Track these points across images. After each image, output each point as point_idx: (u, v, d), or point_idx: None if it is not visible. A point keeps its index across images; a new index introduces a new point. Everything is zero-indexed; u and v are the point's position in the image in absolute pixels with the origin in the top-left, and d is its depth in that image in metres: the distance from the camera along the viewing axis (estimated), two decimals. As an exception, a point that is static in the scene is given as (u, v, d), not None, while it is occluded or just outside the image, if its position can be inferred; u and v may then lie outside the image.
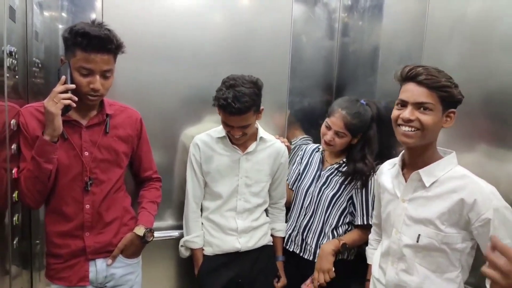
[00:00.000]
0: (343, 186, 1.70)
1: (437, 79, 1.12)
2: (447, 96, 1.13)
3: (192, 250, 1.69)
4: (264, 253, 1.73)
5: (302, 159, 1.87)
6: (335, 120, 1.63)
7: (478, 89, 1.24)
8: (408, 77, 1.16)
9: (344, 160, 1.73)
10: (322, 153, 1.81)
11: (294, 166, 1.90)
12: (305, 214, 1.75)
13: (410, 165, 1.26)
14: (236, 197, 1.67)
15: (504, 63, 1.22)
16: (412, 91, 1.15)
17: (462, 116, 1.19)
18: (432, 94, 1.13)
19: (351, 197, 1.70)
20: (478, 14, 1.32)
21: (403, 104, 1.18)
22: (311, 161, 1.83)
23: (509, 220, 1.08)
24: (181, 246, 1.71)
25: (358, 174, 1.65)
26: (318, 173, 1.77)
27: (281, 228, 1.80)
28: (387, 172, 1.36)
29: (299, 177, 1.83)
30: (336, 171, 1.73)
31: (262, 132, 1.69)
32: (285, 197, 1.81)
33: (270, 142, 1.71)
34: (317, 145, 1.88)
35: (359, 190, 1.68)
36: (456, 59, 1.39)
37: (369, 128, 1.68)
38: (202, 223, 1.70)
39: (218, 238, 1.67)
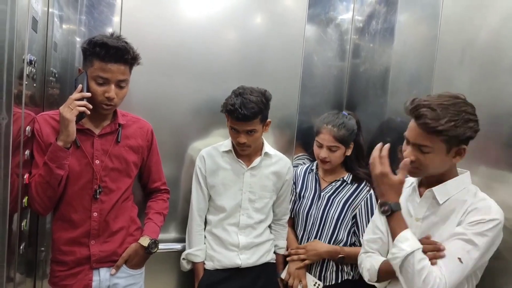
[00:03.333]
0: (347, 205, 1.69)
1: (436, 123, 1.07)
2: (448, 138, 1.09)
3: (193, 263, 1.68)
4: (266, 270, 1.71)
5: (296, 183, 1.82)
6: (323, 136, 1.67)
7: (487, 112, 1.24)
8: (411, 114, 1.14)
9: (343, 177, 1.73)
10: (316, 173, 1.80)
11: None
12: (308, 237, 1.73)
13: (426, 185, 1.26)
14: (239, 212, 1.66)
15: (513, 87, 1.23)
16: (413, 131, 1.14)
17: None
18: (431, 137, 1.10)
19: (354, 216, 1.69)
20: (488, 38, 1.34)
21: (408, 141, 1.18)
22: (306, 182, 1.81)
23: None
24: (183, 259, 1.70)
25: (366, 180, 1.71)
26: (317, 194, 1.76)
27: (283, 246, 1.78)
28: (403, 191, 1.36)
29: (297, 201, 1.80)
30: (337, 191, 1.72)
31: (267, 148, 1.70)
32: (288, 214, 1.80)
33: (275, 158, 1.71)
34: (307, 165, 1.87)
35: (363, 209, 1.68)
36: (466, 82, 1.40)
37: (357, 136, 1.72)
38: (205, 237, 1.70)
39: (220, 253, 1.65)
